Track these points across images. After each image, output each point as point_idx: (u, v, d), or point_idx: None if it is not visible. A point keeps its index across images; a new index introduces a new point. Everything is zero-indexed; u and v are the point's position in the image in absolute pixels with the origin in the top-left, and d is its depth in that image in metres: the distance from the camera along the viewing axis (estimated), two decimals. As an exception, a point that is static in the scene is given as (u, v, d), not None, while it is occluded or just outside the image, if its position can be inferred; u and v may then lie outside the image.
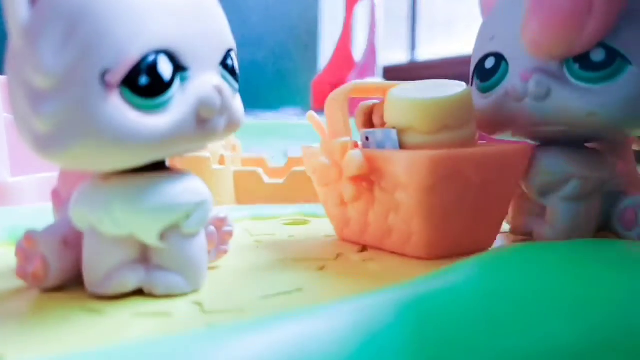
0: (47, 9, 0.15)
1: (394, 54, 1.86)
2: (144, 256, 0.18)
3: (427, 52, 1.86)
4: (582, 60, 0.21)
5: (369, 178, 0.23)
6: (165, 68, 0.16)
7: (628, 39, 0.20)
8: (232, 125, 0.18)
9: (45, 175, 0.38)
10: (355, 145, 0.24)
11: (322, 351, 0.14)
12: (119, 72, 0.15)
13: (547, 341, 0.15)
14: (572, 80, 0.21)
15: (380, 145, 0.23)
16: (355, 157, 0.22)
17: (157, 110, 0.16)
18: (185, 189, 0.18)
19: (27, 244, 0.18)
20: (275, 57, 2.24)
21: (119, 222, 0.17)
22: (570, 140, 0.23)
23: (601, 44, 0.21)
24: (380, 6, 1.21)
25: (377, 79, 1.17)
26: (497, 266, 0.18)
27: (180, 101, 0.17)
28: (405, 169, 0.21)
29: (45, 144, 0.15)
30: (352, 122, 0.25)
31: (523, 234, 0.25)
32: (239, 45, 0.19)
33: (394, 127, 0.22)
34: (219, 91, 0.17)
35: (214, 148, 0.40)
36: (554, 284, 0.17)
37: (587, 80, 0.21)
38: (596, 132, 0.22)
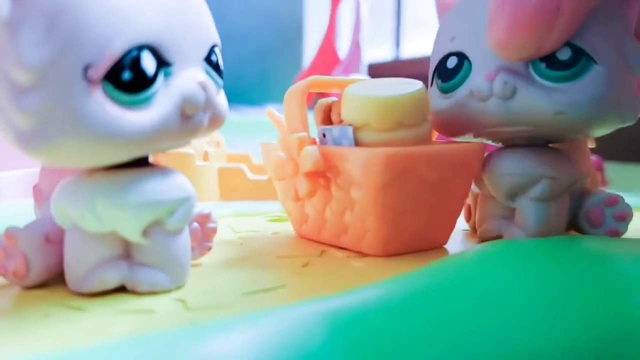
0: (29, 3, 0.15)
1: (379, 51, 1.86)
2: (126, 253, 0.18)
3: (412, 49, 1.87)
4: (548, 59, 0.21)
5: (325, 174, 0.23)
6: (148, 63, 0.16)
7: (593, 38, 0.20)
8: (216, 121, 0.18)
9: (26, 171, 0.38)
10: (314, 142, 0.24)
11: (306, 347, 0.14)
12: (102, 67, 0.15)
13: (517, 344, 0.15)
14: (538, 79, 0.21)
15: (337, 142, 0.23)
16: (311, 153, 0.22)
17: (140, 105, 0.16)
18: (169, 185, 0.18)
19: (8, 241, 0.18)
20: (260, 53, 2.23)
21: (101, 219, 0.17)
22: (532, 142, 0.23)
23: (567, 43, 0.20)
24: (365, 3, 1.22)
25: (362, 76, 1.17)
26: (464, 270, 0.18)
27: (164, 97, 0.17)
28: (360, 167, 0.21)
29: (27, 140, 0.15)
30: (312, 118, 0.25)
31: (491, 239, 0.24)
32: (223, 41, 0.19)
33: (350, 124, 0.22)
34: (203, 87, 0.17)
35: (198, 144, 0.40)
36: (524, 285, 0.17)
37: (554, 79, 0.21)
38: (561, 132, 0.22)
